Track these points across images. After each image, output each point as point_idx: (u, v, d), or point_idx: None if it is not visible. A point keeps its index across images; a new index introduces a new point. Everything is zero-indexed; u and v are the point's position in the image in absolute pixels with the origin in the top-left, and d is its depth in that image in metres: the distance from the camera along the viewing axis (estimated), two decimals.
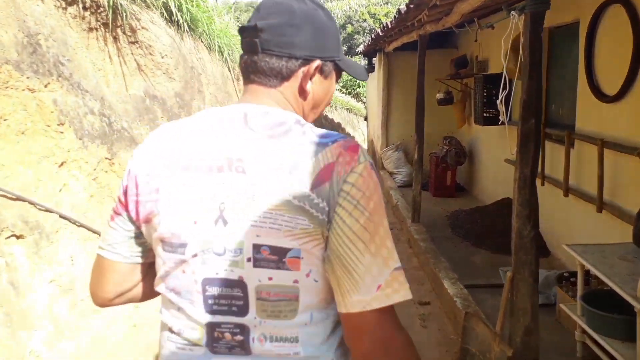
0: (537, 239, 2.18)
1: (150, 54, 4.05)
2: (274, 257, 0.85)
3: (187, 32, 5.00)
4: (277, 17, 0.95)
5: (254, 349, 0.88)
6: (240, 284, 0.87)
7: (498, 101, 2.35)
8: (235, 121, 0.92)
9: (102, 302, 1.03)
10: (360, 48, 10.19)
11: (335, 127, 14.60)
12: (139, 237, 0.98)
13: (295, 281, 0.86)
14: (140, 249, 0.99)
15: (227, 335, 0.89)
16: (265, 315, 0.87)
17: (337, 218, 0.84)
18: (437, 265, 3.94)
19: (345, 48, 28.09)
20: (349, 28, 29.06)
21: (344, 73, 1.07)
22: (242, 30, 0.98)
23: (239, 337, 0.89)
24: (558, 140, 4.38)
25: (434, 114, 6.91)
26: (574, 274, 3.52)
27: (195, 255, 0.89)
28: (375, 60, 9.09)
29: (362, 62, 13.49)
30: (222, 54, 6.53)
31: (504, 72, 2.33)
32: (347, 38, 28.18)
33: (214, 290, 0.89)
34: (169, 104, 4.15)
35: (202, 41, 5.56)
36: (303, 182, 0.84)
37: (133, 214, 0.95)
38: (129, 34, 3.90)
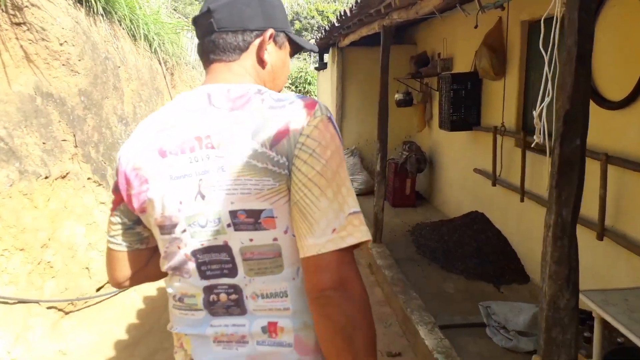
0: (576, 307, 1.51)
1: (44, 39, 3.13)
2: (250, 219, 0.90)
3: (102, 15, 4.08)
4: None
5: (248, 307, 0.94)
6: (225, 248, 0.93)
7: (535, 113, 1.66)
8: (201, 102, 0.97)
9: (116, 285, 1.14)
10: (312, 42, 9.45)
11: None
12: (134, 227, 1.07)
13: (275, 239, 0.91)
14: (137, 237, 1.08)
15: (223, 297, 0.95)
16: (253, 273, 0.93)
17: (294, 168, 0.88)
18: (408, 303, 3.26)
19: None
20: (297, 25, 28.95)
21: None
22: (196, 19, 1.03)
23: (233, 296, 0.95)
24: (543, 152, 3.81)
25: (391, 116, 6.25)
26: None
27: (184, 231, 0.96)
28: (327, 56, 8.36)
29: (313, 58, 12.72)
30: (151, 45, 5.60)
31: (546, 70, 1.64)
32: (295, 35, 28.13)
33: (204, 257, 0.96)
34: (70, 104, 3.24)
35: (123, 28, 4.64)
36: (264, 144, 0.89)
37: (130, 206, 1.02)
38: (12, 12, 2.97)
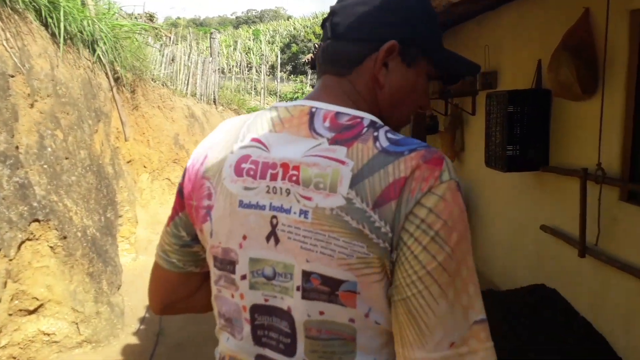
0: None
1: None
2: (326, 288, 0.69)
3: None
4: None
5: None
6: (288, 316, 0.73)
7: None
8: (300, 121, 0.76)
9: (157, 311, 0.95)
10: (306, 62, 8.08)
11: None
12: (192, 245, 0.87)
13: (352, 320, 0.70)
14: (193, 258, 0.89)
15: None
16: (316, 356, 0.73)
17: (405, 250, 0.65)
18: None
19: (289, 67, 27.22)
20: (294, 47, 29.43)
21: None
22: (323, 21, 0.86)
23: None
24: None
25: None
26: None
27: (244, 277, 0.76)
28: None
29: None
30: (93, 50, 4.17)
31: None
32: (291, 57, 28.76)
33: (263, 320, 0.76)
34: None
35: (35, 22, 3.19)
36: (365, 199, 0.67)
37: (191, 218, 0.83)
38: None
